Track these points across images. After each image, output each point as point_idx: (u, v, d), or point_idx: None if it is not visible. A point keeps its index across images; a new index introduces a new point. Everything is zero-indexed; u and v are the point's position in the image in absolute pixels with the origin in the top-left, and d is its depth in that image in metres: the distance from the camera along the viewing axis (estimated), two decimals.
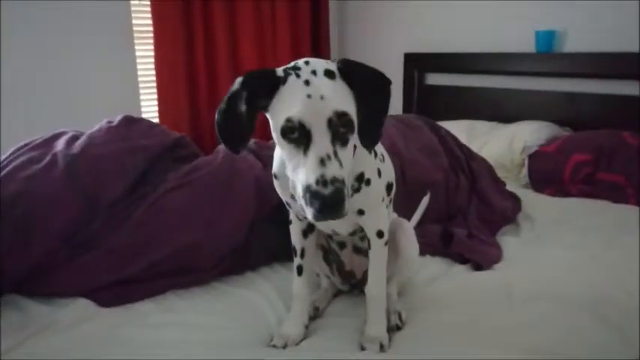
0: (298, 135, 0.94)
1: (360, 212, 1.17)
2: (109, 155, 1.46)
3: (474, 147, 2.55)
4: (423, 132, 1.99)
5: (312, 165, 0.92)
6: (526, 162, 2.42)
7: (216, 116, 1.00)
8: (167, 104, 3.08)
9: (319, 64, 0.99)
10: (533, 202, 2.16)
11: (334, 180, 0.91)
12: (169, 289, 1.41)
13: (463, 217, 1.82)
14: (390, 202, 1.29)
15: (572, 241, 1.77)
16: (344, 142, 0.96)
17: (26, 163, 1.40)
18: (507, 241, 1.81)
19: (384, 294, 1.24)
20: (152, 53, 3.03)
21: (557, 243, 1.76)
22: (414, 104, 3.38)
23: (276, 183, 1.20)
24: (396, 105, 3.44)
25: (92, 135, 1.53)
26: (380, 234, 1.20)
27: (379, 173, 1.17)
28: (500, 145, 2.55)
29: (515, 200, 2.02)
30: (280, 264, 1.61)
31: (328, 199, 0.91)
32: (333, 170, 0.92)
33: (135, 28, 3.02)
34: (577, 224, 1.91)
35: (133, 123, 1.62)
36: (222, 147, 1.77)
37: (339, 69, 0.99)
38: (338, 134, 0.95)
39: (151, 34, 3.01)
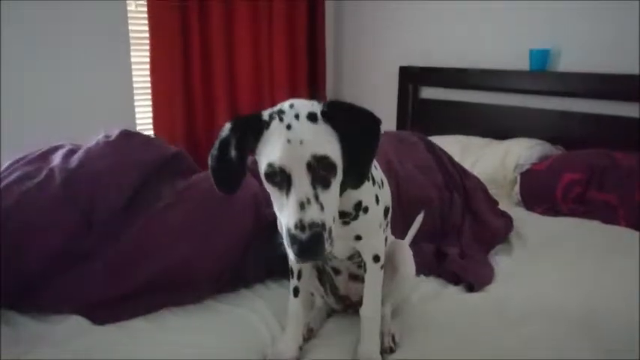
0: (280, 179, 0.97)
1: (358, 238, 1.19)
2: (105, 170, 1.46)
3: (468, 162, 2.58)
4: (418, 149, 2.00)
5: (292, 208, 0.94)
6: (518, 179, 2.45)
7: (209, 162, 1.04)
8: (162, 111, 3.08)
9: (303, 107, 1.00)
10: (525, 220, 2.18)
11: (312, 224, 0.93)
12: (163, 307, 1.41)
13: (457, 236, 1.84)
14: (387, 225, 1.30)
15: (564, 263, 1.78)
16: (325, 185, 0.98)
17: (22, 178, 1.40)
18: (500, 260, 1.83)
19: (378, 316, 1.25)
20: (148, 59, 3.03)
21: (548, 264, 1.78)
22: (409, 117, 3.40)
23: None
24: (390, 118, 3.46)
25: (89, 149, 1.52)
26: (376, 258, 1.21)
27: (377, 200, 1.18)
28: (493, 161, 2.57)
29: (508, 219, 2.04)
30: (274, 281, 1.61)
31: (305, 244, 0.93)
32: (311, 214, 0.94)
33: (131, 35, 3.02)
34: (568, 245, 1.93)
35: (130, 137, 1.62)
36: None
37: (323, 112, 1.00)
38: (318, 177, 0.96)
39: (147, 40, 3.01)
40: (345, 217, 1.14)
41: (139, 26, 3.08)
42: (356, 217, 1.15)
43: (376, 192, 1.19)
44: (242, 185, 1.06)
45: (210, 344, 1.29)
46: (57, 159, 1.48)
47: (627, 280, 1.65)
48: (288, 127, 0.97)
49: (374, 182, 1.19)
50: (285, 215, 0.96)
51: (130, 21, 3.01)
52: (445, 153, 2.10)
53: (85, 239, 1.38)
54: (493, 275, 1.69)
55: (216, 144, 1.03)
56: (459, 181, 1.99)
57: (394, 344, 1.29)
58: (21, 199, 1.34)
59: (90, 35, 2.81)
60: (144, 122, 3.18)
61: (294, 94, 3.46)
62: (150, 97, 3.07)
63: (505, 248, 1.94)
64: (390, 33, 3.52)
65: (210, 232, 1.47)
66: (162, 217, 1.45)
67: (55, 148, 1.57)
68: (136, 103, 3.10)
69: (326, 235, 0.95)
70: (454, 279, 1.65)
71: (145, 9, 2.98)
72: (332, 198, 0.99)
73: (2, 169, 1.48)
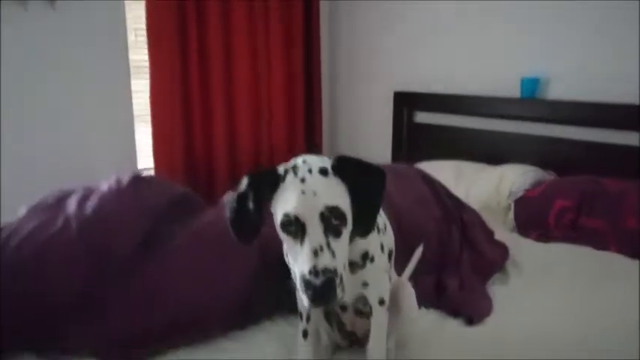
0: (295, 228, 1.04)
1: (365, 284, 1.26)
2: (119, 216, 1.52)
3: (462, 189, 2.66)
4: (416, 182, 2.08)
5: (306, 255, 1.01)
6: (512, 206, 2.52)
7: (227, 214, 1.12)
8: (162, 138, 3.14)
9: (315, 162, 1.09)
10: (520, 247, 2.25)
11: (326, 271, 1.00)
12: (175, 347, 1.46)
13: (456, 267, 1.90)
14: (391, 267, 1.37)
15: (558, 291, 1.86)
16: (337, 234, 1.05)
17: (40, 227, 1.46)
18: (497, 290, 1.90)
19: (384, 355, 1.31)
20: (147, 87, 3.09)
21: (544, 293, 1.86)
22: (404, 142, 3.48)
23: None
24: (386, 141, 3.54)
25: (102, 196, 1.58)
26: (382, 301, 1.29)
27: (382, 248, 1.25)
28: (488, 188, 2.65)
29: (504, 249, 2.11)
30: (282, 317, 1.66)
31: (319, 289, 0.99)
32: (324, 261, 1.01)
33: (131, 64, 3.08)
34: (561, 273, 2.01)
35: (140, 183, 1.68)
36: (226, 200, 1.85)
37: (333, 166, 1.08)
38: (330, 226, 1.04)
39: (147, 69, 3.07)
40: (353, 267, 1.21)
41: (139, 55, 3.14)
42: (363, 266, 1.23)
43: (381, 240, 1.26)
44: (258, 235, 1.12)
45: None
46: (72, 206, 1.54)
47: (619, 307, 1.74)
48: (302, 180, 1.05)
49: (378, 230, 1.26)
50: (300, 262, 1.03)
51: (130, 49, 3.08)
52: (442, 186, 2.18)
53: (102, 284, 1.43)
54: (491, 307, 1.75)
55: (235, 197, 1.11)
56: (456, 213, 2.06)
57: None
58: (42, 249, 1.40)
59: (91, 64, 2.88)
60: (144, 150, 3.23)
61: (291, 124, 3.54)
62: (150, 124, 3.13)
63: (502, 277, 2.01)
64: (384, 59, 3.62)
65: (220, 273, 1.53)
66: (173, 260, 1.51)
67: (69, 194, 1.63)
68: (136, 129, 3.16)
69: (338, 280, 1.02)
70: (454, 312, 1.71)
71: (144, 39, 3.05)
72: (342, 246, 1.07)
73: (22, 216, 1.54)
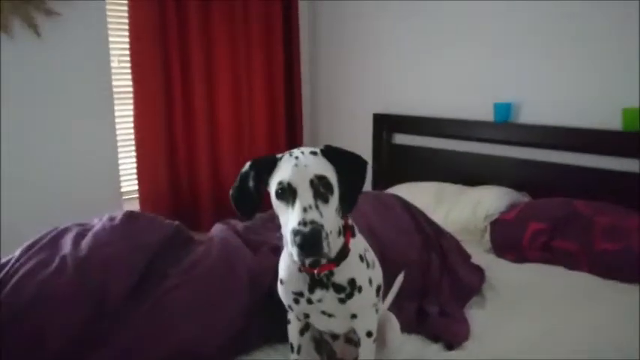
0: (287, 194, 1.17)
1: (354, 316, 1.33)
2: (114, 256, 1.57)
3: (441, 213, 2.76)
4: (397, 211, 2.16)
5: (296, 212, 1.13)
6: (488, 228, 2.63)
7: (230, 192, 1.28)
8: (146, 163, 3.18)
9: (307, 149, 1.25)
10: (496, 269, 2.35)
11: (313, 222, 1.12)
12: None
13: (436, 294, 1.99)
14: (379, 301, 1.45)
15: (534, 315, 1.96)
16: (324, 200, 1.17)
17: (37, 267, 1.50)
18: (474, 314, 1.98)
19: None
20: (131, 113, 3.13)
21: (520, 317, 1.95)
22: (383, 162, 3.58)
23: (281, 288, 1.36)
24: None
25: (97, 235, 1.63)
26: (369, 334, 1.37)
27: (370, 282, 1.33)
28: (465, 211, 2.75)
29: (481, 272, 2.21)
30: (271, 347, 1.72)
31: (308, 235, 1.10)
32: (312, 215, 1.13)
33: (115, 90, 3.12)
34: (537, 295, 2.11)
35: (133, 220, 1.73)
36: (215, 234, 1.91)
37: (322, 151, 1.24)
38: (319, 193, 1.17)
39: (131, 95, 3.11)
40: (340, 291, 1.29)
41: (122, 81, 3.19)
42: (351, 296, 1.30)
43: (369, 274, 1.34)
44: (256, 212, 1.28)
45: None
46: (67, 246, 1.58)
47: (595, 328, 1.84)
48: (296, 158, 1.20)
49: (367, 265, 1.34)
50: (291, 221, 1.14)
51: (113, 76, 3.12)
52: (421, 213, 2.27)
53: (99, 323, 1.48)
54: (469, 331, 1.84)
55: (238, 177, 1.27)
56: (435, 240, 2.15)
57: None
58: (40, 289, 1.45)
59: (75, 90, 2.92)
60: (128, 174, 3.27)
61: (273, 145, 3.61)
62: (134, 149, 3.17)
63: (479, 300, 2.10)
64: (364, 82, 3.73)
65: (213, 310, 1.59)
66: (168, 298, 1.56)
67: (64, 232, 1.67)
68: (119, 156, 3.19)
69: (324, 235, 1.13)
70: (434, 337, 1.80)
71: (128, 65, 3.09)
72: (329, 213, 1.19)
73: (17, 255, 1.57)
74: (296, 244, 1.11)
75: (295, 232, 1.11)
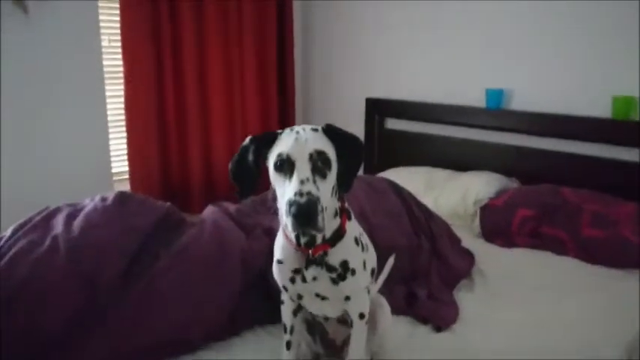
0: (286, 166, 1.17)
1: (347, 298, 1.35)
2: (106, 239, 1.57)
3: (431, 197, 2.79)
4: (388, 196, 2.17)
5: (294, 184, 1.14)
6: (478, 213, 2.66)
7: (229, 166, 1.28)
8: (137, 143, 3.16)
9: (309, 126, 1.25)
10: (485, 253, 2.38)
11: (309, 193, 1.12)
12: None
13: (425, 278, 2.01)
14: (372, 283, 1.47)
15: (522, 299, 1.99)
16: (322, 175, 1.18)
17: (30, 246, 1.49)
18: (463, 297, 2.02)
19: None
20: (121, 93, 3.10)
21: (508, 300, 1.98)
22: (376, 147, 3.59)
23: (277, 268, 1.36)
24: None
25: (88, 216, 1.62)
26: (361, 316, 1.38)
27: (364, 265, 1.34)
28: (455, 197, 2.78)
29: (470, 257, 2.23)
30: (262, 328, 1.74)
31: (303, 206, 1.10)
32: (309, 187, 1.13)
33: (105, 69, 3.09)
34: (525, 279, 2.15)
35: (125, 201, 1.72)
36: (207, 216, 1.91)
37: (322, 129, 1.25)
38: (317, 167, 1.17)
39: (121, 74, 3.08)
40: (332, 271, 1.30)
41: (112, 61, 3.15)
42: (344, 278, 1.31)
43: (364, 257, 1.36)
44: (255, 188, 1.28)
45: None
46: (59, 226, 1.58)
47: (582, 313, 1.88)
48: (297, 132, 1.21)
49: (362, 248, 1.36)
50: (287, 192, 1.15)
51: (104, 55, 3.08)
52: (412, 196, 2.28)
53: (91, 305, 1.48)
54: (457, 314, 1.87)
55: (238, 151, 1.27)
56: (425, 224, 2.17)
57: None
58: (34, 270, 1.44)
59: (65, 69, 2.88)
60: (119, 155, 3.25)
61: (265, 128, 3.60)
62: (125, 129, 3.14)
63: (468, 284, 2.13)
64: (357, 66, 3.72)
65: (205, 292, 1.59)
66: (159, 281, 1.56)
67: (55, 212, 1.66)
68: (110, 136, 3.17)
69: (320, 208, 1.13)
70: (423, 319, 1.83)
71: (119, 44, 3.06)
72: (326, 190, 1.20)
73: (8, 234, 1.57)
74: (291, 214, 1.11)
75: (291, 203, 1.11)
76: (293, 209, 1.11)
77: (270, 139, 1.24)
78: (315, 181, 1.15)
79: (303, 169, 1.16)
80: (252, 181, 1.26)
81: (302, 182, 1.13)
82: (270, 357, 1.57)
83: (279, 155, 1.18)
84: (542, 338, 1.74)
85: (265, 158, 1.25)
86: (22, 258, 1.47)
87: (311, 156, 1.17)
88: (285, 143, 1.19)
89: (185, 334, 1.54)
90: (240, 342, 1.67)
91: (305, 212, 1.10)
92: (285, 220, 1.16)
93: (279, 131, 1.25)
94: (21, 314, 1.40)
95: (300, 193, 1.11)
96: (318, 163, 1.17)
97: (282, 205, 1.18)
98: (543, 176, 2.76)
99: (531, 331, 1.78)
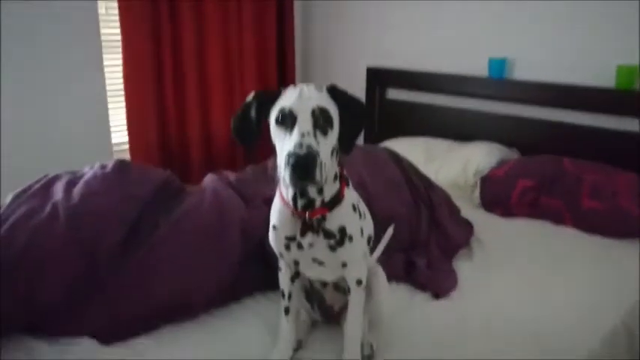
0: (288, 120, 1.17)
1: (344, 265, 1.35)
2: (105, 207, 1.57)
3: (432, 169, 2.78)
4: (388, 165, 2.16)
5: (294, 137, 1.14)
6: (478, 184, 2.65)
7: (232, 121, 1.29)
8: (136, 113, 3.14)
9: (313, 85, 1.25)
10: (485, 223, 2.39)
11: (309, 147, 1.12)
12: (163, 325, 1.55)
13: (424, 247, 2.02)
14: (369, 250, 1.48)
15: (520, 268, 2.01)
16: (324, 132, 1.18)
17: (30, 213, 1.50)
18: (462, 266, 2.03)
19: (360, 332, 1.43)
20: (120, 62, 3.07)
21: (506, 269, 2.00)
22: (376, 117, 3.57)
23: (273, 234, 1.36)
24: None
25: (88, 183, 1.62)
26: (359, 282, 1.39)
27: (362, 232, 1.34)
28: (455, 167, 2.77)
29: (469, 227, 2.24)
30: (262, 294, 1.76)
31: (302, 158, 1.10)
32: (309, 140, 1.13)
33: (103, 38, 3.05)
34: (524, 249, 2.17)
35: (125, 169, 1.72)
36: (207, 184, 1.91)
37: (327, 89, 1.25)
38: (319, 123, 1.17)
39: (119, 43, 3.04)
40: (330, 237, 1.30)
41: (110, 29, 3.11)
42: (341, 244, 1.31)
43: (361, 224, 1.36)
44: (255, 142, 1.28)
45: (205, 357, 1.44)
46: (58, 193, 1.58)
47: (578, 282, 1.90)
48: (301, 89, 1.21)
49: (360, 215, 1.36)
50: (287, 145, 1.15)
51: (102, 24, 3.04)
52: (411, 165, 2.28)
53: (91, 272, 1.49)
54: (456, 282, 1.89)
55: (240, 107, 1.28)
56: (424, 194, 2.17)
57: (372, 352, 1.49)
58: (33, 236, 1.44)
59: (62, 38, 2.84)
60: (118, 124, 3.23)
61: None
62: (123, 99, 3.12)
63: (466, 253, 2.15)
64: (357, 35, 3.66)
65: (205, 260, 1.60)
66: (159, 248, 1.57)
67: (54, 179, 1.66)
68: (109, 106, 3.15)
69: (319, 162, 1.14)
70: (422, 287, 1.84)
71: (116, 12, 3.01)
72: (326, 148, 1.20)
73: (8, 202, 1.57)
74: (289, 165, 1.11)
75: (290, 154, 1.11)
76: (292, 160, 1.11)
77: (274, 95, 1.24)
78: (315, 136, 1.15)
79: (304, 123, 1.15)
80: (253, 136, 1.27)
81: (303, 135, 1.13)
82: (270, 322, 1.59)
83: (282, 109, 1.18)
84: (541, 306, 1.76)
85: (267, 114, 1.24)
86: (21, 225, 1.47)
87: (313, 112, 1.17)
88: (288, 98, 1.19)
89: (185, 299, 1.55)
90: (241, 308, 1.69)
91: (303, 164, 1.11)
92: (283, 174, 1.15)
93: (283, 89, 1.25)
94: (21, 281, 1.41)
95: (300, 145, 1.11)
96: (320, 120, 1.18)
97: (281, 160, 1.18)
98: (545, 147, 2.75)
99: (529, 299, 1.80)
